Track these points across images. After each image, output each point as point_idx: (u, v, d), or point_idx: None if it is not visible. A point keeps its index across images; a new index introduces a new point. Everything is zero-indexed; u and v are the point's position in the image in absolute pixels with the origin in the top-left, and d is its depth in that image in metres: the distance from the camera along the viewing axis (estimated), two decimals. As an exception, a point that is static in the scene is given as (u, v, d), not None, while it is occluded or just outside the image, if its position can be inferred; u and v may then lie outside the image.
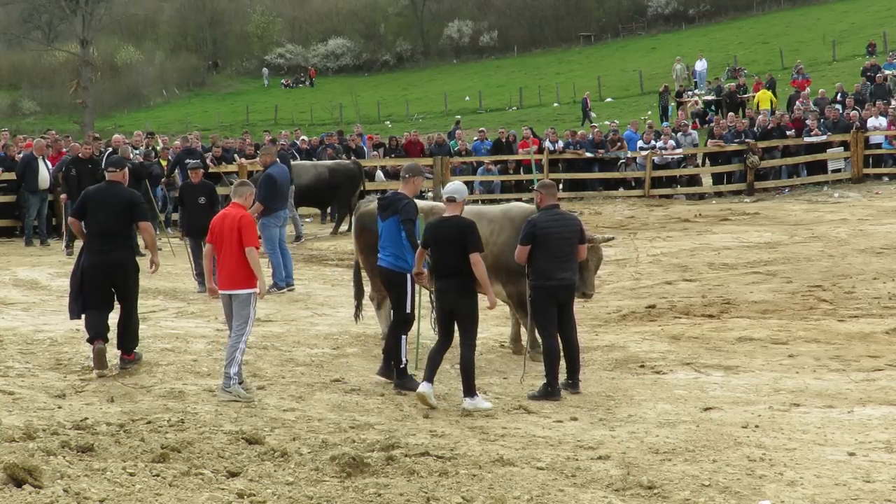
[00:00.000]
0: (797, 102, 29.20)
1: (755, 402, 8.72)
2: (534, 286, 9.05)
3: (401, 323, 9.25)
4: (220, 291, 8.96)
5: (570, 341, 9.13)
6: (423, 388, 8.62)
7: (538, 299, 9.05)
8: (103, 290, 9.53)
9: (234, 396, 8.55)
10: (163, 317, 12.36)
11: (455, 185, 8.94)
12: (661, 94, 38.12)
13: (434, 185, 24.80)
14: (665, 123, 28.52)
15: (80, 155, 17.94)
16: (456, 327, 8.74)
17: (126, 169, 10.25)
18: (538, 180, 9.91)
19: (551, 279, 8.95)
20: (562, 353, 9.04)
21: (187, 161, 19.29)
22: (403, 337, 9.22)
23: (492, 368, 10.09)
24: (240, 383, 8.68)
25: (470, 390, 8.58)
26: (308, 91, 65.73)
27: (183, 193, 14.63)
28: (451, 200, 8.77)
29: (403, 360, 9.20)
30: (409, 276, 9.11)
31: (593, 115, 39.56)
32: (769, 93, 33.61)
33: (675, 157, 25.21)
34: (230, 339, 8.87)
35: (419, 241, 8.92)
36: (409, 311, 9.21)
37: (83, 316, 9.55)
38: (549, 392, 8.90)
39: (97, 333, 9.39)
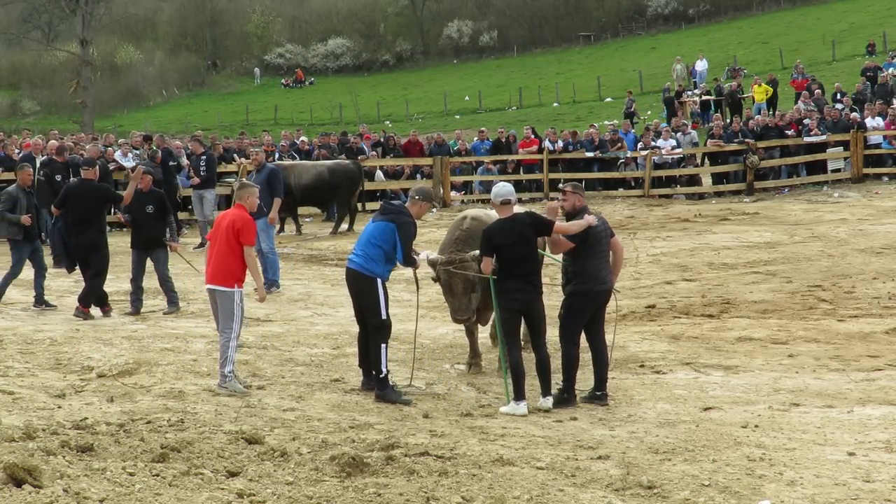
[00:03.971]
0: (800, 102, 29.20)
1: (755, 401, 8.72)
2: (577, 291, 8.70)
3: (377, 329, 8.84)
4: (206, 286, 9.22)
5: (601, 351, 8.87)
6: (522, 408, 8.44)
7: (578, 304, 8.72)
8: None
9: (230, 391, 8.72)
10: (163, 317, 12.36)
11: (508, 187, 8.80)
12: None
13: (434, 185, 24.81)
14: (664, 125, 28.46)
15: (55, 157, 17.71)
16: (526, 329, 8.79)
17: (96, 167, 12.85)
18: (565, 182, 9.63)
19: (599, 283, 8.72)
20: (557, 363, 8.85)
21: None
22: (383, 345, 8.80)
23: (492, 368, 10.09)
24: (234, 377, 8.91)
25: (548, 389, 8.58)
26: (308, 91, 65.71)
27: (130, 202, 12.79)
28: (506, 203, 8.67)
29: (384, 369, 8.75)
30: (379, 280, 8.83)
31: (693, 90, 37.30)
32: (766, 86, 33.48)
33: (675, 156, 25.25)
34: (220, 337, 8.99)
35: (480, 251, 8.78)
36: (384, 316, 8.83)
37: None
38: (566, 399, 8.68)
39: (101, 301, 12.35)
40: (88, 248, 12.19)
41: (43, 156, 19.00)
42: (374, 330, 8.87)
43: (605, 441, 7.56)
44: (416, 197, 9.15)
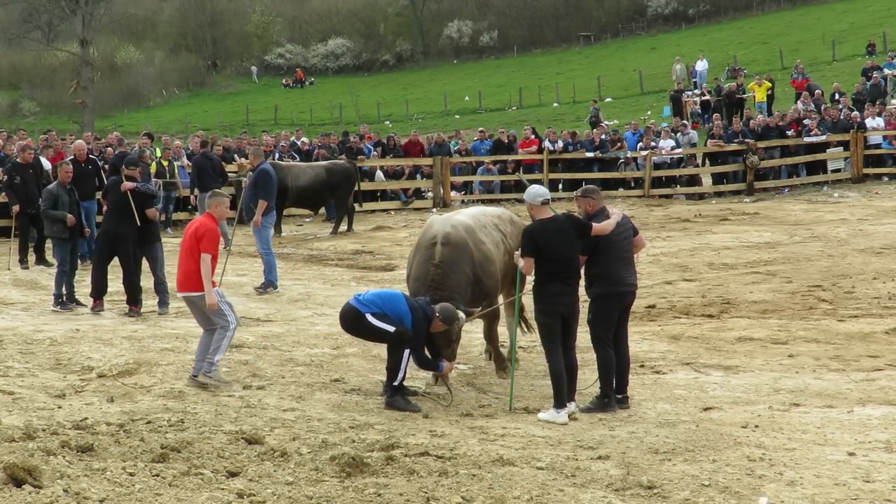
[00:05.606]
0: (798, 102, 29.20)
1: (755, 402, 8.72)
2: (601, 294, 8.58)
3: (394, 342, 8.61)
4: (178, 293, 9.34)
5: (624, 353, 8.77)
6: (563, 416, 8.23)
7: (604, 307, 8.59)
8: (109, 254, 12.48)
9: (214, 381, 8.86)
10: (163, 317, 12.36)
11: (543, 188, 8.71)
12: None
13: (434, 185, 24.80)
14: (663, 125, 28.49)
15: (19, 160, 16.59)
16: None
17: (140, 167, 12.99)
18: (585, 185, 9.42)
19: (622, 285, 8.61)
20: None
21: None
22: (406, 351, 8.57)
23: (492, 368, 10.09)
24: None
25: (572, 395, 8.44)
26: (308, 91, 65.72)
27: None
28: (546, 203, 8.49)
29: (400, 376, 8.55)
30: (367, 314, 8.63)
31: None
32: (767, 84, 33.42)
33: (675, 156, 25.26)
34: (217, 332, 9.03)
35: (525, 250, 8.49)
36: (392, 330, 8.59)
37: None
38: (606, 404, 8.55)
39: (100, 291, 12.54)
40: (117, 239, 12.27)
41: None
42: (390, 344, 8.68)
43: (605, 441, 7.56)
44: (438, 315, 8.68)
